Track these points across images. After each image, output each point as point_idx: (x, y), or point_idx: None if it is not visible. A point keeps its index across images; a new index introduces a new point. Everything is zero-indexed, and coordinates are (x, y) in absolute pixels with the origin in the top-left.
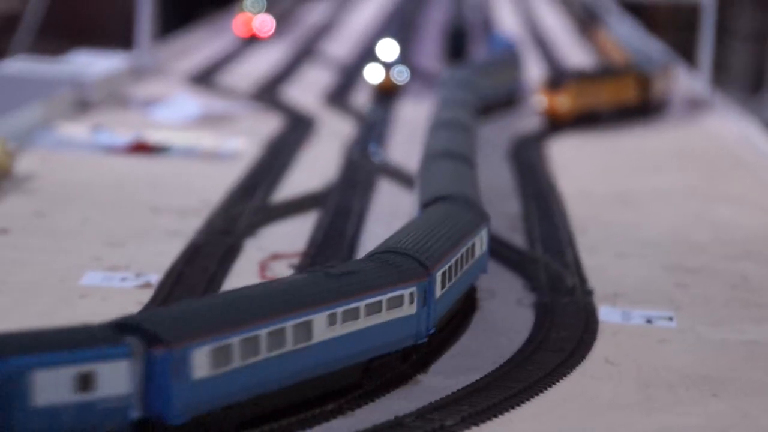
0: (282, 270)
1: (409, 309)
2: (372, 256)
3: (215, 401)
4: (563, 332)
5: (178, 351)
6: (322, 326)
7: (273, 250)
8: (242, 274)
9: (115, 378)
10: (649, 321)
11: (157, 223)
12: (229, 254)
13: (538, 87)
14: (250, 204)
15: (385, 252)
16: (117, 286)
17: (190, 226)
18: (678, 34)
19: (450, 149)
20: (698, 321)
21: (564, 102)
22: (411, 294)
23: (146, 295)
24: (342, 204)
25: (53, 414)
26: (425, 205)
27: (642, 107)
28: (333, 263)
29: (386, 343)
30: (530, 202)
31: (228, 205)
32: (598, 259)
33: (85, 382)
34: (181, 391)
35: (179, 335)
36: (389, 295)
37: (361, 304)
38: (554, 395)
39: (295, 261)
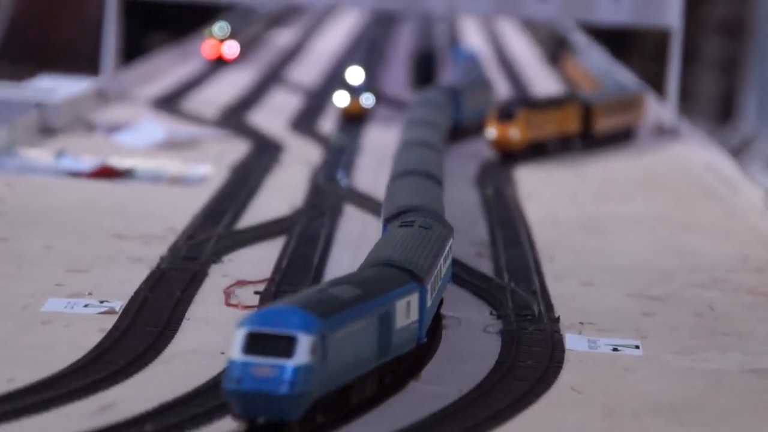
0: (247, 297)
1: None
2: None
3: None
4: (529, 360)
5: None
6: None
7: (238, 277)
8: (207, 301)
9: (409, 310)
10: (615, 349)
11: (121, 249)
12: (194, 281)
13: (487, 118)
14: (215, 230)
15: (377, 265)
16: (80, 312)
17: (155, 253)
18: (647, 62)
19: (417, 167)
20: (664, 349)
21: (516, 133)
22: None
23: (110, 322)
24: (308, 230)
25: (397, 332)
26: (390, 218)
27: (584, 138)
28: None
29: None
30: (497, 229)
31: (193, 231)
32: (565, 287)
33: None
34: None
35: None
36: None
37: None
38: (520, 424)
39: (261, 287)
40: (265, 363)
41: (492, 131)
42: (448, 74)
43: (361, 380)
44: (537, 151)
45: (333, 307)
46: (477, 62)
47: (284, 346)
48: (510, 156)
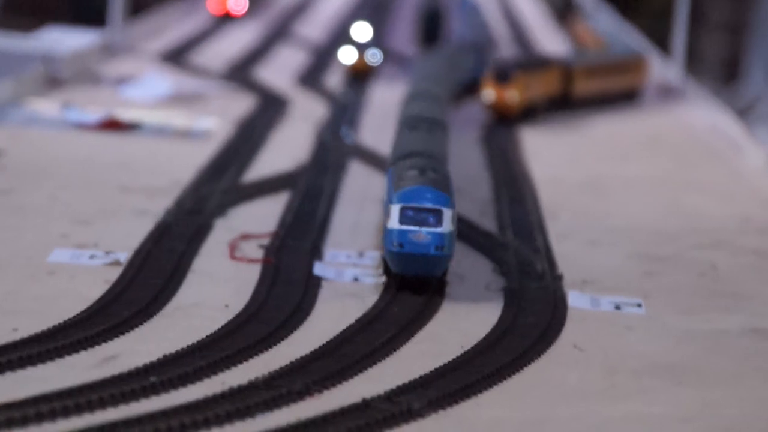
0: (252, 250)
1: None
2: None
3: None
4: (531, 318)
5: None
6: None
7: (243, 230)
8: (211, 254)
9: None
10: (617, 307)
11: (126, 202)
12: (198, 234)
13: (484, 80)
14: (220, 184)
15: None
16: (85, 263)
17: (160, 205)
18: (653, 22)
19: (423, 115)
20: (666, 309)
21: (514, 95)
22: None
23: (114, 274)
24: (313, 185)
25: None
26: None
27: (564, 101)
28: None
29: None
30: (501, 188)
31: (198, 184)
32: (569, 246)
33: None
34: None
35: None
36: None
37: None
38: (521, 381)
39: (265, 241)
40: (421, 231)
41: (490, 93)
42: (454, 26)
43: None
44: (528, 114)
45: (447, 187)
46: (479, 14)
47: (435, 217)
48: (506, 119)
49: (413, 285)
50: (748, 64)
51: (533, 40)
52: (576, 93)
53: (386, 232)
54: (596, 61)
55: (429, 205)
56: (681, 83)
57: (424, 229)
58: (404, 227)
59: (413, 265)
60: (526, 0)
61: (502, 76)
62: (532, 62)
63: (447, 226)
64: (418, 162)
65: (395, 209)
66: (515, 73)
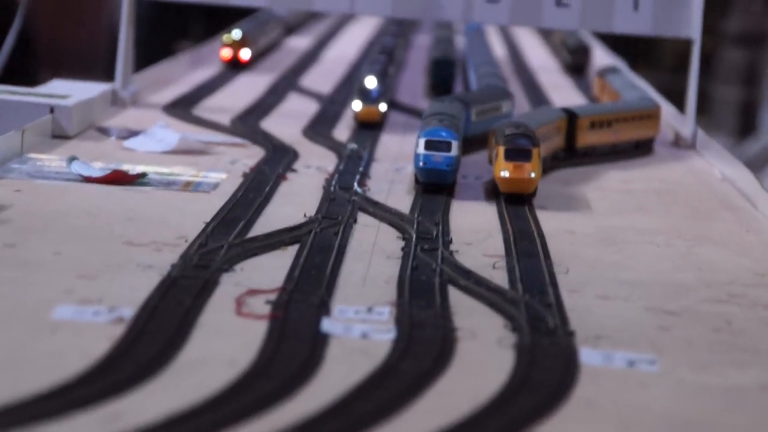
0: (259, 306)
1: None
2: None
3: None
4: (543, 375)
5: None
6: None
7: (250, 286)
8: (218, 310)
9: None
10: (631, 364)
11: (132, 256)
12: (205, 289)
13: (495, 155)
14: (227, 238)
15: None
16: (89, 319)
17: (166, 260)
18: (669, 75)
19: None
20: (680, 364)
21: (532, 173)
22: None
23: (119, 330)
24: (321, 239)
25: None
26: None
27: (568, 153)
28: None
29: None
30: (512, 241)
31: (205, 238)
32: (581, 300)
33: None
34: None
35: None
36: None
37: None
38: None
39: (272, 296)
40: (438, 153)
41: (504, 171)
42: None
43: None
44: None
45: (457, 128)
46: (495, 63)
47: (446, 146)
48: (522, 196)
49: (433, 188)
50: (762, 116)
51: (545, 93)
52: (580, 144)
53: (416, 156)
54: (602, 111)
55: (443, 138)
56: (694, 135)
57: (440, 153)
58: (427, 152)
59: (433, 175)
60: (538, 54)
61: (520, 154)
62: (539, 118)
63: (454, 151)
64: (439, 116)
65: (422, 141)
66: (533, 150)
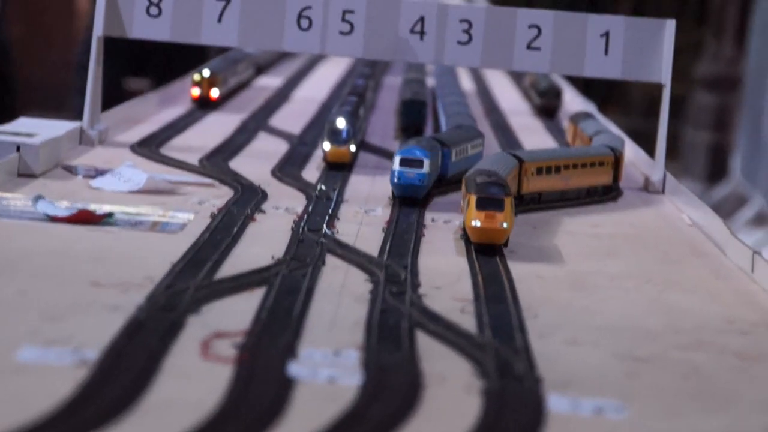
0: (225, 349)
1: None
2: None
3: None
4: (511, 420)
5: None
6: None
7: (217, 328)
8: (184, 352)
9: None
10: (598, 411)
11: (97, 297)
12: (171, 331)
13: (466, 204)
14: (194, 279)
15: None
16: (54, 361)
17: (132, 301)
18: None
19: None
20: (649, 412)
21: (504, 223)
22: None
23: (84, 372)
24: (289, 281)
25: (452, 164)
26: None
27: (516, 198)
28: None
29: None
30: (481, 285)
31: (172, 280)
32: (549, 345)
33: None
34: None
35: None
36: None
37: None
38: None
39: (239, 339)
40: (411, 170)
41: (475, 220)
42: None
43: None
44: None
45: (431, 147)
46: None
47: (418, 163)
48: (493, 246)
49: (407, 201)
50: (732, 160)
51: (516, 136)
52: (524, 190)
53: (391, 172)
54: (551, 157)
55: (416, 156)
56: (663, 179)
57: (412, 170)
58: (401, 168)
59: (407, 190)
60: (509, 96)
61: (492, 203)
62: (502, 165)
63: (426, 168)
64: (417, 138)
65: (397, 158)
66: (505, 199)
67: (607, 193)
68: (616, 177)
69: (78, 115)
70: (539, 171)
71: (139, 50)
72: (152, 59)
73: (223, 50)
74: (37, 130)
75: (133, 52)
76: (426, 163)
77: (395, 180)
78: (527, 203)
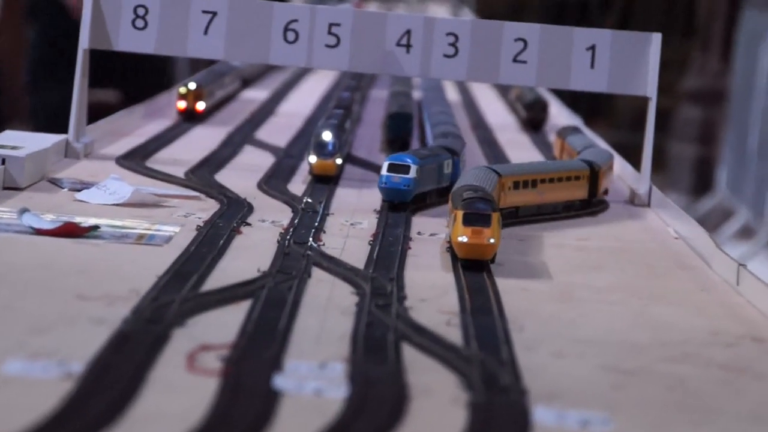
0: (211, 361)
1: None
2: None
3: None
4: None
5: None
6: None
7: (202, 341)
8: (170, 365)
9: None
10: (584, 423)
11: (83, 310)
12: (156, 344)
13: (453, 220)
14: (180, 292)
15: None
16: (39, 374)
17: (118, 314)
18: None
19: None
20: (634, 424)
21: (491, 238)
22: None
23: (70, 385)
24: (275, 294)
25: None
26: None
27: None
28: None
29: None
30: (467, 297)
31: (157, 293)
32: (535, 358)
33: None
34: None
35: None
36: None
37: None
38: None
39: (225, 352)
40: (397, 175)
41: (462, 236)
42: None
43: (430, 191)
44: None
45: (420, 156)
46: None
47: (405, 169)
48: (480, 262)
49: (394, 206)
50: (718, 173)
51: (502, 150)
52: (502, 204)
53: (380, 177)
54: (527, 171)
55: (403, 162)
56: (649, 192)
57: (399, 175)
58: (389, 174)
59: (393, 194)
60: (495, 109)
61: (479, 219)
62: (484, 180)
63: (412, 174)
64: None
65: (386, 164)
66: (492, 215)
67: (585, 208)
68: (594, 191)
69: (64, 129)
70: (516, 185)
71: (121, 65)
72: (135, 74)
73: (209, 63)
74: (23, 143)
75: (99, 63)
76: (413, 168)
77: (382, 184)
78: (505, 218)
